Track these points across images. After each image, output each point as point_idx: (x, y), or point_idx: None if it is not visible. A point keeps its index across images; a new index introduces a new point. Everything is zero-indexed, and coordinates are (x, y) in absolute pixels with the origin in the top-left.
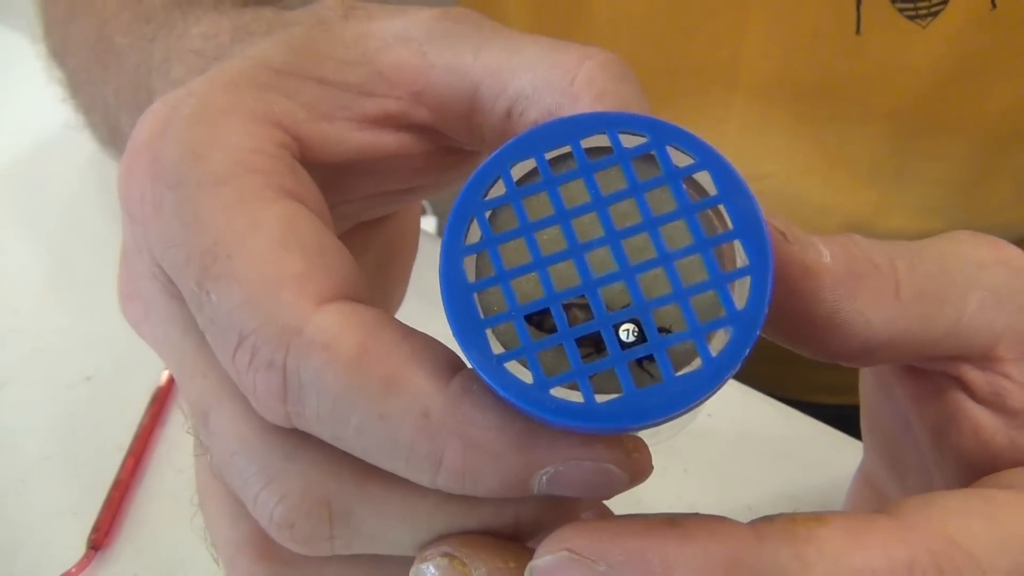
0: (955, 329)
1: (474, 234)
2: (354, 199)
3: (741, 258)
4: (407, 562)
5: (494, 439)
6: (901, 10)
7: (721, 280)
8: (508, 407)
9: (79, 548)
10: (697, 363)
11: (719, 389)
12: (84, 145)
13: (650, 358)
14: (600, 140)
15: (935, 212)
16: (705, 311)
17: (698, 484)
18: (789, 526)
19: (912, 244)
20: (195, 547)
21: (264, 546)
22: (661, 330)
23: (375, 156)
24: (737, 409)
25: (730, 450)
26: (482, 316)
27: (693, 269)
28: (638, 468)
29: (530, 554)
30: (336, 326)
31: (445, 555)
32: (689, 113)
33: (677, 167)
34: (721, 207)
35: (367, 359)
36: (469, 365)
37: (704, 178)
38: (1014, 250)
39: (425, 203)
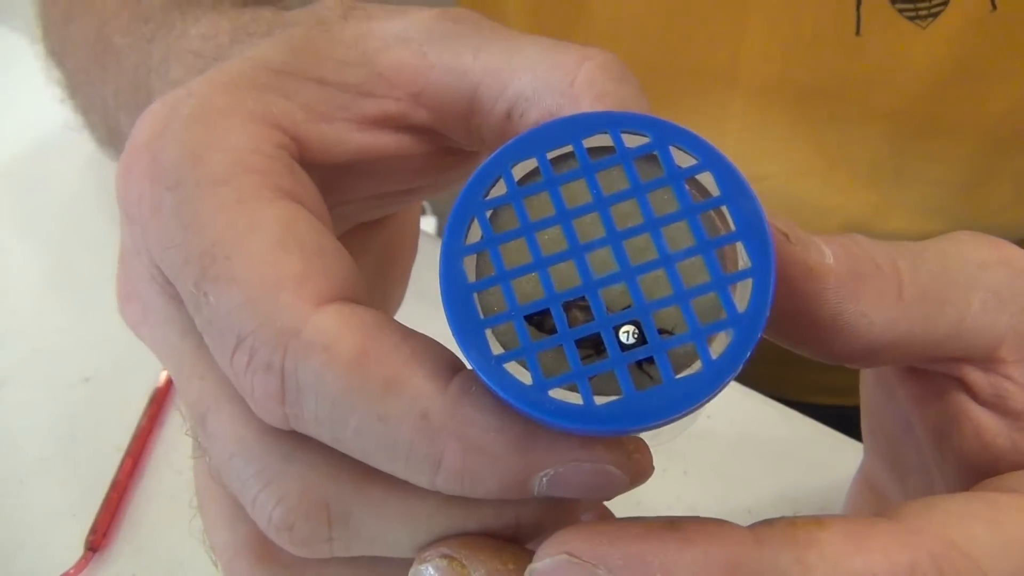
0: (957, 330)
1: (474, 234)
2: (353, 200)
3: (743, 260)
4: (406, 564)
5: (493, 440)
6: (901, 11)
7: (723, 282)
8: (508, 408)
9: (77, 549)
10: (698, 365)
11: (720, 392)
12: (83, 145)
13: (650, 360)
14: (602, 140)
15: (935, 213)
16: (706, 313)
17: (698, 485)
18: (789, 530)
19: (913, 244)
20: (194, 548)
21: (263, 549)
22: (662, 332)
23: (374, 157)
24: (737, 410)
25: (730, 451)
26: (482, 316)
27: (694, 271)
28: (638, 470)
29: (529, 556)
30: (335, 327)
31: (444, 556)
32: (689, 114)
33: (680, 167)
34: (723, 208)
35: (366, 360)
36: (469, 366)
37: (707, 179)
38: (1016, 250)
39: (425, 203)
